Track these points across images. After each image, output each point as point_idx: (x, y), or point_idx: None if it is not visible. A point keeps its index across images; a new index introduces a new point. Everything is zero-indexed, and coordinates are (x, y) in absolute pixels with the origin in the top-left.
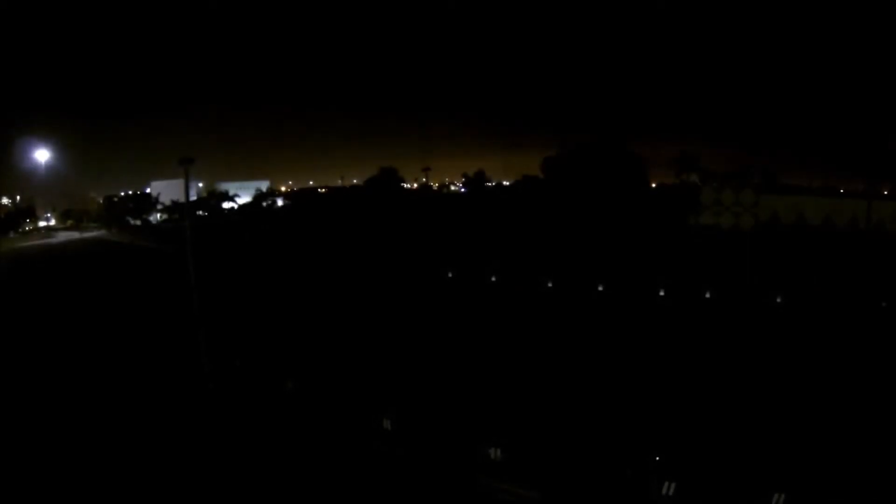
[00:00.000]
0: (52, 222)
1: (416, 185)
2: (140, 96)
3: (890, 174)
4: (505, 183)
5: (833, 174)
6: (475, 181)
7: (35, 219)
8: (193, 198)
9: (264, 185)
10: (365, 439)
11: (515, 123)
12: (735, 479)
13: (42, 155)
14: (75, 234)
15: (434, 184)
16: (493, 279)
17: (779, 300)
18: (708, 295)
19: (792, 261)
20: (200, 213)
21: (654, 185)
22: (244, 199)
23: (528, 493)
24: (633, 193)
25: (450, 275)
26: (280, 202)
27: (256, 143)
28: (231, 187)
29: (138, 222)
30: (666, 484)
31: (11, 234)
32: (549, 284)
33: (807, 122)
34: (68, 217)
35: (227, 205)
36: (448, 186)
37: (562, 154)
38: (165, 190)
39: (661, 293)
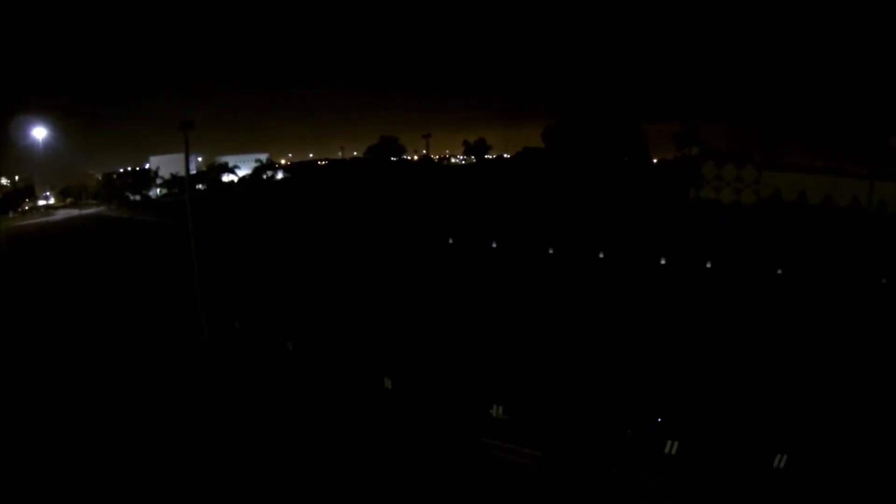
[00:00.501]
0: (52, 201)
1: (416, 158)
2: (137, 71)
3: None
4: (506, 155)
5: (834, 155)
6: (476, 149)
7: (34, 198)
8: (193, 171)
9: (264, 158)
10: (366, 400)
11: (517, 97)
12: (737, 440)
13: (39, 133)
14: (74, 212)
15: (434, 156)
16: (494, 246)
17: (779, 272)
18: (708, 265)
19: (793, 238)
20: (200, 186)
21: (654, 160)
22: (244, 171)
23: (528, 452)
24: (634, 164)
25: (450, 241)
26: (280, 175)
27: (256, 116)
28: (230, 160)
29: (137, 197)
30: (669, 443)
31: (11, 214)
32: (550, 251)
33: (808, 102)
34: (67, 195)
35: (226, 178)
36: (448, 159)
37: (563, 123)
38: (164, 164)
39: (662, 262)
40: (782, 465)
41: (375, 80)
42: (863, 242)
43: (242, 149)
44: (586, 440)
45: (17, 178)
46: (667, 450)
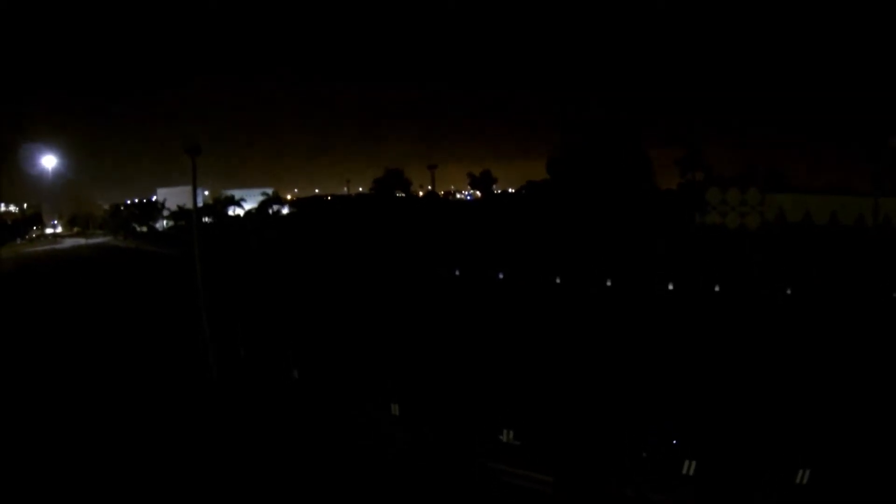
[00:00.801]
0: (59, 229)
1: (420, 193)
2: (145, 102)
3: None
4: (511, 190)
5: (839, 172)
6: (481, 181)
7: (42, 225)
8: (200, 204)
9: (270, 192)
10: (373, 424)
11: (520, 131)
12: (757, 457)
13: (49, 161)
14: (81, 241)
15: (440, 191)
16: (501, 276)
17: (788, 292)
18: (717, 289)
19: (799, 255)
20: (207, 219)
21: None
22: (250, 205)
23: (540, 477)
24: (640, 191)
25: (457, 273)
26: (285, 210)
27: (262, 151)
28: (236, 194)
29: (144, 229)
30: (686, 463)
31: (18, 241)
32: (557, 280)
33: (811, 120)
34: (74, 224)
35: (233, 212)
36: (454, 195)
37: (567, 153)
38: (171, 197)
39: (670, 287)
40: (805, 480)
41: (381, 114)
42: (868, 257)
43: (248, 183)
44: (600, 463)
45: (25, 205)
46: (685, 470)
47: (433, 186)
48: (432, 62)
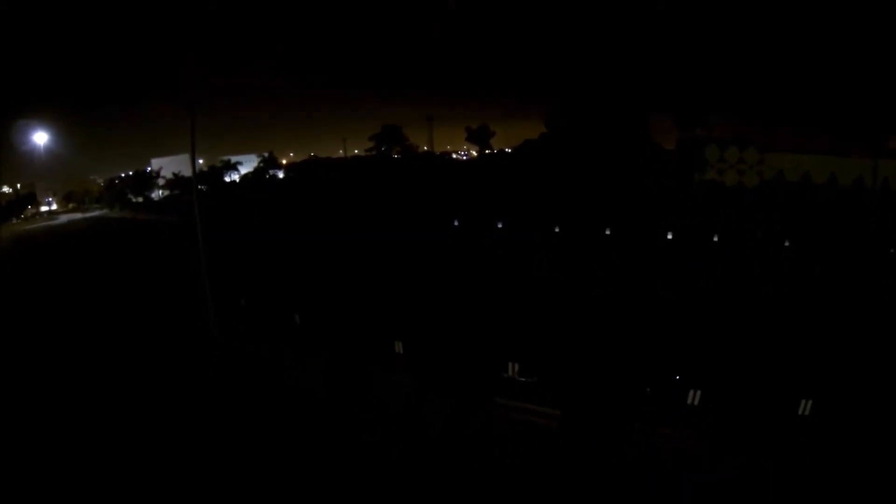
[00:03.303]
0: (54, 206)
1: (418, 151)
2: (138, 75)
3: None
4: (507, 150)
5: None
6: (479, 134)
7: (37, 204)
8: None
9: (266, 155)
10: (377, 365)
11: (517, 91)
12: (759, 389)
13: (41, 138)
14: (77, 216)
15: (437, 151)
16: (500, 225)
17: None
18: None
19: (799, 213)
20: (202, 187)
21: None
22: (246, 169)
23: (547, 411)
24: (638, 146)
25: (455, 223)
26: (280, 174)
27: (257, 115)
28: (233, 159)
29: (140, 199)
30: (691, 393)
31: (14, 220)
32: (556, 229)
33: (807, 94)
34: (70, 200)
35: (229, 179)
36: (450, 154)
37: (565, 106)
38: (167, 166)
39: (669, 236)
40: (807, 411)
41: (377, 76)
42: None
43: (245, 148)
44: (606, 398)
45: (18, 185)
46: (689, 400)
47: (431, 140)
48: (430, 23)
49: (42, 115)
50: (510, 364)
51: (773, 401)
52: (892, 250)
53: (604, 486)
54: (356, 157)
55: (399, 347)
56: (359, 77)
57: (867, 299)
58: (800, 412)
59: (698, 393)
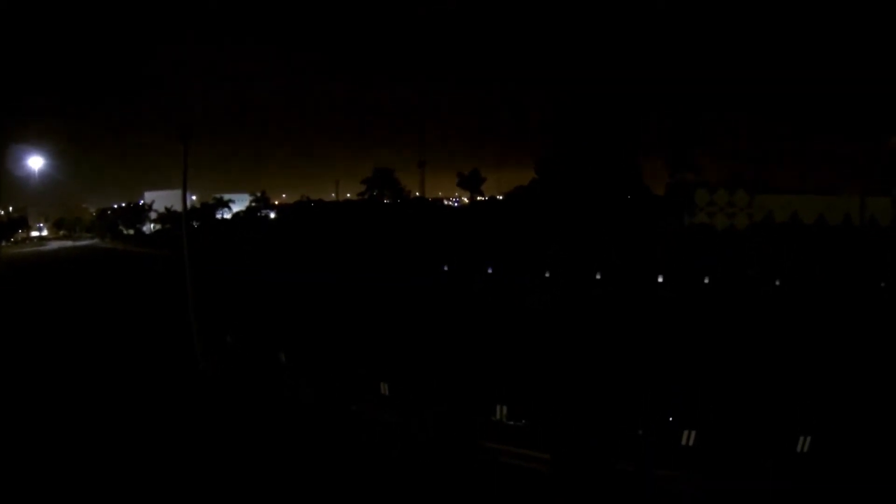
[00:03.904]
0: (45, 232)
1: (411, 196)
2: (134, 106)
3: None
4: (499, 197)
5: (823, 175)
6: (470, 180)
7: (28, 228)
8: (189, 207)
9: (259, 194)
10: (363, 406)
11: (508, 138)
12: (757, 426)
13: (35, 162)
14: (68, 243)
15: (429, 197)
16: (490, 271)
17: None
18: (707, 280)
19: (789, 253)
20: (195, 223)
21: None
22: (238, 207)
23: (536, 455)
24: (630, 191)
25: (445, 268)
26: (272, 214)
27: (250, 155)
28: (226, 197)
29: (131, 231)
30: (686, 433)
31: (3, 244)
32: (546, 275)
33: (796, 127)
34: (60, 227)
35: (220, 216)
36: (441, 201)
37: (556, 153)
38: (160, 200)
39: (660, 280)
40: (806, 448)
41: (371, 114)
42: (856, 254)
43: (238, 188)
44: (597, 440)
45: (10, 208)
46: (684, 441)
47: (422, 185)
48: (422, 61)
49: (38, 140)
50: (498, 407)
51: (770, 438)
52: (882, 284)
53: None
54: (348, 201)
55: (385, 389)
56: (353, 114)
57: (861, 330)
58: (799, 449)
59: (693, 433)
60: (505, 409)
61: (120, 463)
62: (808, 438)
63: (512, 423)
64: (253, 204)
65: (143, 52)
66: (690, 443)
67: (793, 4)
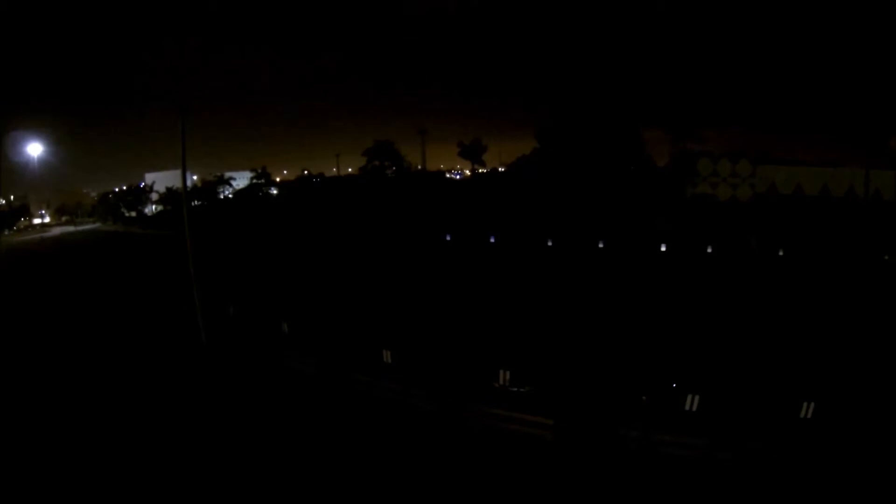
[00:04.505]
0: (47, 219)
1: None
2: (133, 91)
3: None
4: (500, 169)
5: (827, 149)
6: (471, 150)
7: (30, 216)
8: (189, 186)
9: (260, 170)
10: (365, 374)
11: (510, 109)
12: (760, 392)
13: (35, 149)
14: (70, 228)
15: (430, 168)
16: (492, 240)
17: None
18: (709, 250)
19: (792, 224)
20: (196, 202)
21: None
22: (240, 184)
23: (539, 421)
24: (631, 161)
25: (448, 238)
26: (274, 191)
27: (251, 131)
28: (226, 174)
29: (133, 214)
30: (689, 398)
31: (6, 232)
32: (549, 243)
33: (800, 104)
34: (63, 213)
35: (222, 194)
36: (443, 174)
37: (558, 122)
38: (160, 180)
39: (662, 248)
40: (810, 413)
41: (371, 88)
42: (859, 226)
43: (238, 165)
44: (600, 406)
45: (12, 197)
46: (687, 406)
47: (424, 155)
48: (423, 39)
49: (37, 125)
50: (501, 372)
51: (772, 404)
52: (886, 257)
53: (599, 494)
54: (350, 175)
55: (388, 356)
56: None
57: (863, 304)
58: (802, 415)
59: (696, 398)
60: (508, 374)
61: (121, 437)
62: (812, 404)
63: (515, 389)
64: (254, 181)
65: (139, 33)
66: (694, 408)
67: None
